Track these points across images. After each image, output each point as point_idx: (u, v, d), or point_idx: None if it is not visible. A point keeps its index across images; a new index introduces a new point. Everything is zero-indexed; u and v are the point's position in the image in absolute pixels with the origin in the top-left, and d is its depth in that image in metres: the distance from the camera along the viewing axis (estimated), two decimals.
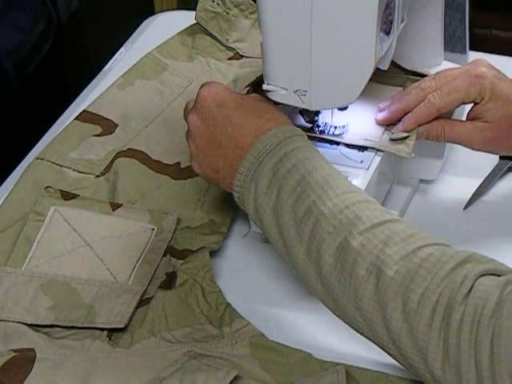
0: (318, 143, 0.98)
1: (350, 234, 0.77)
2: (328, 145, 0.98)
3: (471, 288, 0.71)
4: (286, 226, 0.81)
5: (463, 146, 0.98)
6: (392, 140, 0.95)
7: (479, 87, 0.93)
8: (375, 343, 0.77)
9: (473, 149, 0.97)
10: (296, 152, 0.84)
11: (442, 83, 0.95)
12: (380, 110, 0.98)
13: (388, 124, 0.97)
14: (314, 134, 0.98)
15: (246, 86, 1.13)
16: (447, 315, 0.71)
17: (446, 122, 0.95)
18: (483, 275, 0.72)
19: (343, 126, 0.99)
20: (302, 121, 1.00)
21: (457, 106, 0.95)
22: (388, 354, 0.76)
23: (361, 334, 0.78)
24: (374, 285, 0.74)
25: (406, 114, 0.96)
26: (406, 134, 0.95)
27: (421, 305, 0.72)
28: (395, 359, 0.76)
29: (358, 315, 0.76)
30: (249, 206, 0.85)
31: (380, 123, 0.97)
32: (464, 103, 0.95)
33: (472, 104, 0.95)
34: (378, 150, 0.95)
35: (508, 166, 1.08)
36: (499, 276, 0.72)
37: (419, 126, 0.95)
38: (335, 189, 0.80)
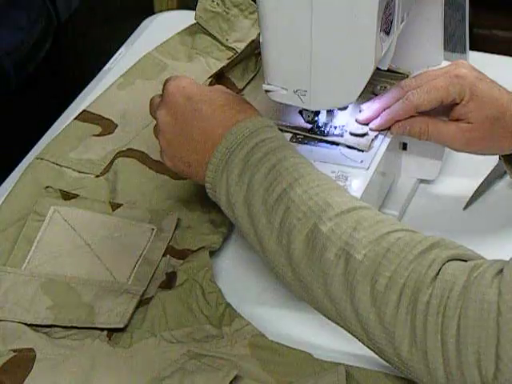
0: (318, 143, 0.98)
1: (319, 220, 0.78)
2: (328, 145, 0.98)
3: (439, 271, 0.72)
4: (257, 215, 0.82)
5: (446, 146, 0.98)
6: (351, 134, 0.97)
7: (459, 87, 0.93)
8: (344, 328, 0.78)
9: (455, 149, 0.98)
10: (267, 142, 0.85)
11: (423, 82, 0.95)
12: (361, 111, 0.99)
13: (368, 123, 0.98)
14: (312, 135, 0.98)
15: (209, 77, 1.14)
16: (414, 298, 0.72)
17: (430, 121, 0.96)
18: (451, 260, 0.73)
19: (343, 126, 0.99)
20: (301, 121, 1.00)
21: (435, 106, 0.95)
22: (357, 338, 0.78)
23: (330, 319, 0.79)
24: (343, 269, 0.75)
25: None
26: (364, 131, 0.96)
27: (388, 288, 0.73)
28: (364, 344, 0.78)
29: (328, 300, 0.77)
30: (221, 197, 0.86)
31: (361, 122, 0.98)
32: (443, 103, 0.94)
33: (453, 105, 0.95)
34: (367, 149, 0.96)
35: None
36: (466, 261, 0.73)
37: (396, 121, 0.96)
38: (305, 176, 0.81)
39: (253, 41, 1.23)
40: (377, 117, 0.97)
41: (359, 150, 0.96)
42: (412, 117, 0.96)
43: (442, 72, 0.95)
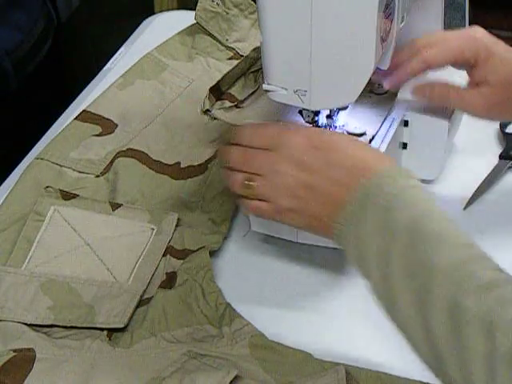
0: None
1: (463, 292, 0.69)
2: None
3: None
4: (394, 276, 0.73)
5: (467, 112, 0.97)
6: (349, 134, 0.97)
7: (474, 49, 0.93)
8: None
9: (478, 116, 0.96)
10: (408, 194, 0.77)
11: (437, 41, 0.95)
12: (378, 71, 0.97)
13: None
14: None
15: (211, 89, 1.14)
16: None
17: (451, 86, 0.95)
18: None
19: (343, 126, 0.99)
20: (301, 121, 1.00)
21: (448, 64, 0.95)
22: None
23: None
24: (486, 349, 0.66)
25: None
26: (362, 131, 0.96)
27: None
28: None
29: (460, 377, 0.68)
30: (349, 243, 0.77)
31: (376, 81, 0.99)
32: (457, 63, 0.95)
33: (471, 70, 0.95)
34: None
35: (508, 165, 1.08)
36: None
37: (410, 78, 0.96)
38: (449, 241, 0.73)
39: (247, 56, 1.23)
40: (391, 74, 0.96)
41: None
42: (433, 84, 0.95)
43: (457, 33, 0.95)
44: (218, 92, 1.19)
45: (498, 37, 0.97)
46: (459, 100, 0.95)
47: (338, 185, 0.79)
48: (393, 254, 0.73)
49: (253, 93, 1.21)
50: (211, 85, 1.19)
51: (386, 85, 0.97)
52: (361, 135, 0.97)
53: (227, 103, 1.18)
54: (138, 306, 0.90)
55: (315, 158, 0.81)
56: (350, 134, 0.97)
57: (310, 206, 0.81)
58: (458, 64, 0.95)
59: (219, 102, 1.19)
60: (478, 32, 0.95)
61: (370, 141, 0.97)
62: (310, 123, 0.99)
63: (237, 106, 1.18)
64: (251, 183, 0.83)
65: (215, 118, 1.15)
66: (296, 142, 0.82)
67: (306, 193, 0.81)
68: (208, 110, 1.17)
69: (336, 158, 0.80)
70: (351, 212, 0.77)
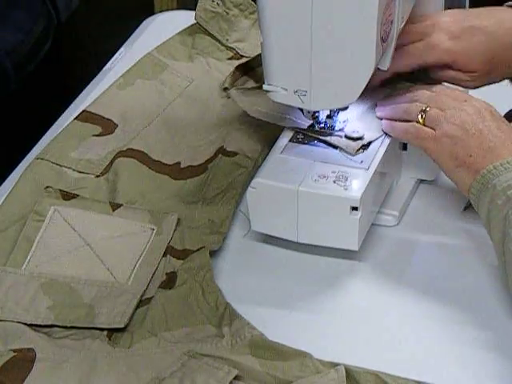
0: (318, 143, 0.98)
1: None
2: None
3: None
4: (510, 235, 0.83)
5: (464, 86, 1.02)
6: (346, 137, 0.97)
7: (435, 57, 0.98)
8: None
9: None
10: None
11: (403, 40, 0.99)
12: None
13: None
14: (307, 132, 0.98)
15: (237, 67, 1.14)
16: None
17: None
18: None
19: (344, 121, 0.99)
20: (302, 117, 1.00)
21: (413, 69, 1.01)
22: None
23: None
24: None
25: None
26: (360, 135, 0.97)
27: None
28: None
29: None
30: (482, 209, 0.88)
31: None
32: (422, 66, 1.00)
33: None
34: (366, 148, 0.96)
35: None
36: None
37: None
38: None
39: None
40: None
41: (347, 153, 0.96)
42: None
43: (419, 35, 0.99)
44: (245, 68, 1.19)
45: None
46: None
47: (501, 144, 0.89)
48: None
49: None
50: (211, 84, 1.19)
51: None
52: (358, 139, 0.97)
53: (251, 83, 1.18)
54: (138, 306, 0.90)
55: (496, 118, 0.92)
56: (347, 137, 0.97)
57: (469, 143, 0.90)
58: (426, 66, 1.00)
59: (244, 78, 1.19)
60: (438, 31, 0.98)
61: (368, 145, 0.97)
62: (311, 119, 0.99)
63: (259, 88, 1.18)
64: (428, 108, 0.94)
65: (229, 97, 1.16)
66: (481, 102, 0.93)
67: (474, 133, 0.90)
68: (226, 88, 1.16)
69: (510, 128, 0.91)
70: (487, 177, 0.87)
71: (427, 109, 0.93)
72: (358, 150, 0.96)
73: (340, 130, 0.99)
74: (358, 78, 0.91)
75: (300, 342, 0.86)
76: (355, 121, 1.00)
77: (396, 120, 0.97)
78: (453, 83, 1.01)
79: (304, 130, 1.00)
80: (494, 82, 1.02)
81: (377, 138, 0.97)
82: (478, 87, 1.02)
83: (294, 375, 0.82)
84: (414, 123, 0.94)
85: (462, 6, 1.08)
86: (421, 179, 1.07)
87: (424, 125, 0.93)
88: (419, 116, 0.93)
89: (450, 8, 1.05)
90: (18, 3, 1.63)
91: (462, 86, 1.01)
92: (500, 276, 0.88)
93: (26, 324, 0.87)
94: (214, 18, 1.29)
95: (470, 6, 1.11)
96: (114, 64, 1.29)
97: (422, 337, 0.87)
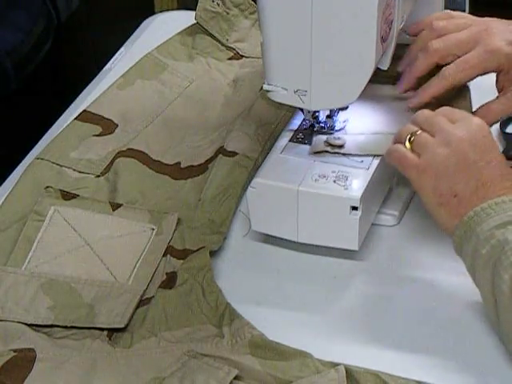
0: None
1: None
2: None
3: None
4: (502, 288, 0.79)
5: (500, 119, 0.99)
6: (329, 144, 0.96)
7: (496, 62, 0.93)
8: None
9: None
10: None
11: (452, 49, 0.94)
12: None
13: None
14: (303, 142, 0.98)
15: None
16: None
17: (480, 110, 0.96)
18: None
19: (344, 121, 0.99)
20: (302, 116, 1.00)
21: (471, 80, 0.96)
22: None
23: None
24: None
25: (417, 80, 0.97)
26: (341, 143, 0.96)
27: None
28: None
29: None
30: (469, 247, 0.84)
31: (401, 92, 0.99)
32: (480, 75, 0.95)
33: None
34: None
35: (508, 165, 1.08)
36: None
37: (433, 97, 0.96)
38: None
39: None
40: (410, 86, 0.98)
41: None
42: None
43: (474, 41, 0.94)
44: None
45: None
46: (493, 115, 0.96)
47: (488, 180, 0.84)
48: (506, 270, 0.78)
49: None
50: (211, 84, 1.19)
51: (412, 106, 0.97)
52: (339, 147, 0.97)
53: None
54: (138, 306, 0.90)
55: (488, 145, 0.85)
56: (329, 144, 0.97)
57: (454, 180, 0.84)
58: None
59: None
60: (495, 37, 0.94)
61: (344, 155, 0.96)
62: (311, 119, 0.99)
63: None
64: (419, 132, 0.87)
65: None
66: (477, 123, 0.86)
67: (461, 168, 0.84)
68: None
69: (498, 158, 0.85)
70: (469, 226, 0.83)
71: (418, 132, 0.88)
72: (319, 151, 0.96)
73: (340, 129, 0.99)
74: (358, 77, 0.91)
75: (300, 342, 0.86)
76: (356, 121, 1.00)
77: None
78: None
79: (304, 130, 1.00)
80: None
81: (358, 155, 0.96)
82: None
83: (293, 375, 0.82)
84: (400, 147, 0.88)
85: (461, 6, 1.09)
86: None
87: (412, 149, 0.88)
88: (407, 139, 0.88)
89: (449, 9, 1.05)
90: (18, 3, 1.63)
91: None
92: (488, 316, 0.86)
93: (26, 324, 0.87)
94: (214, 18, 1.29)
95: (470, 6, 1.11)
96: (114, 64, 1.29)
97: (422, 337, 0.87)
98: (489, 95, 0.98)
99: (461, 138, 0.85)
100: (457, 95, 1.00)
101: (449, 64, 0.95)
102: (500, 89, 0.96)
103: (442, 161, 0.85)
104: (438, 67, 0.97)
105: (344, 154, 0.95)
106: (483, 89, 1.01)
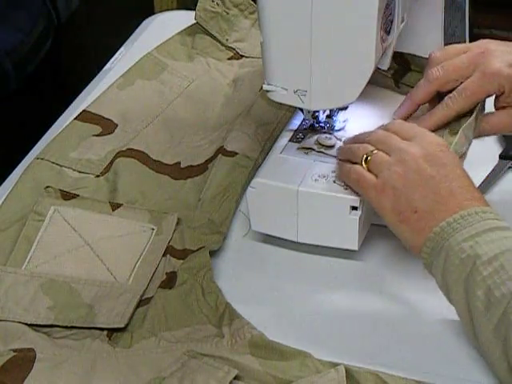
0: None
1: None
2: None
3: None
4: (476, 302, 0.79)
5: (498, 133, 0.99)
6: (320, 144, 0.96)
7: (496, 85, 0.92)
8: None
9: (508, 133, 0.98)
10: (498, 232, 0.81)
11: (451, 76, 0.94)
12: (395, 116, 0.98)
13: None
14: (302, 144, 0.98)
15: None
16: None
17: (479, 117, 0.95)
18: None
19: (343, 121, 0.99)
20: (302, 116, 1.00)
21: (476, 105, 0.95)
22: None
23: None
24: None
25: (418, 107, 0.96)
26: (332, 144, 0.95)
27: None
28: None
29: None
30: (437, 270, 0.83)
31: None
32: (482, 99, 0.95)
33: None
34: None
35: (508, 166, 1.08)
36: None
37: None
38: None
39: None
40: (410, 114, 0.97)
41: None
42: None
43: (472, 65, 0.93)
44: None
45: (498, 37, 0.97)
46: (491, 127, 0.96)
47: (449, 195, 0.83)
48: (476, 284, 0.78)
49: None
50: (211, 84, 1.19)
51: (397, 115, 0.97)
52: (328, 147, 0.97)
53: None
54: (138, 306, 0.90)
55: (444, 160, 0.85)
56: (320, 144, 0.97)
57: (413, 196, 0.84)
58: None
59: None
60: (493, 59, 0.92)
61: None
62: (311, 119, 0.99)
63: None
64: (375, 151, 0.87)
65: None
66: (432, 140, 0.87)
67: (419, 184, 0.84)
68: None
69: (458, 174, 0.85)
70: (441, 232, 0.82)
71: (374, 151, 0.88)
72: (306, 148, 0.96)
73: (340, 129, 0.99)
74: (358, 77, 0.91)
75: (300, 342, 0.86)
76: (356, 122, 1.00)
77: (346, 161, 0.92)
78: None
79: (304, 130, 1.00)
80: None
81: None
82: None
83: (293, 375, 0.82)
84: (358, 167, 0.88)
85: (461, 6, 1.09)
86: None
87: (369, 169, 0.87)
88: (363, 159, 0.88)
89: (449, 9, 1.05)
90: (18, 3, 1.63)
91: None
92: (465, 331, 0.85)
93: (26, 324, 0.87)
94: (213, 18, 1.29)
95: (470, 6, 1.11)
96: (114, 64, 1.30)
97: (423, 336, 0.87)
98: (489, 101, 0.98)
99: (415, 154, 0.85)
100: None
101: (451, 91, 0.94)
102: (498, 109, 0.96)
103: (398, 179, 0.85)
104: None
105: (329, 155, 0.95)
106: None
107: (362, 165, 0.88)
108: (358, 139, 0.92)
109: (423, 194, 0.84)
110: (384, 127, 0.91)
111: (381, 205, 0.86)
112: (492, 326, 0.78)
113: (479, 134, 0.96)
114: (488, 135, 0.98)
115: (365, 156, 0.88)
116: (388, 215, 0.86)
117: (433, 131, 0.93)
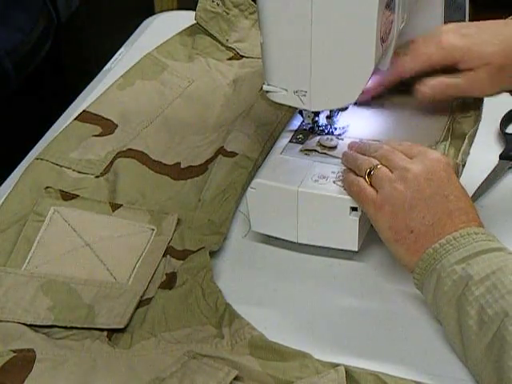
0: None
1: None
2: None
3: None
4: (468, 322, 0.79)
5: (472, 95, 1.00)
6: (321, 145, 0.97)
7: (443, 55, 0.96)
8: None
9: (484, 94, 1.00)
10: (489, 253, 0.82)
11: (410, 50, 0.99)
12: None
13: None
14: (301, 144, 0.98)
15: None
16: None
17: (447, 79, 0.97)
18: None
19: (343, 127, 0.99)
20: (301, 120, 1.00)
21: (421, 72, 0.97)
22: None
23: None
24: None
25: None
26: (334, 144, 0.96)
27: None
28: None
29: None
30: (430, 284, 0.84)
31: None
32: (432, 68, 0.97)
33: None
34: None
35: (508, 166, 1.08)
36: None
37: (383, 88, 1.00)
38: None
39: None
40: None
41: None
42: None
43: (427, 39, 0.97)
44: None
45: None
46: (458, 89, 0.97)
47: (446, 216, 0.84)
48: (469, 303, 0.79)
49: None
50: (211, 84, 1.19)
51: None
52: (330, 148, 0.97)
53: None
54: (137, 307, 0.90)
55: (445, 179, 0.86)
56: (322, 145, 0.97)
57: (411, 216, 0.85)
58: (431, 69, 0.97)
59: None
60: (448, 35, 0.97)
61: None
62: (311, 123, 0.99)
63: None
64: (379, 166, 0.88)
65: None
66: (434, 157, 0.87)
67: (417, 203, 0.85)
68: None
69: (456, 192, 0.86)
70: (437, 251, 0.83)
71: (378, 166, 0.88)
72: (309, 150, 0.96)
73: (342, 129, 0.99)
74: (358, 78, 0.91)
75: (300, 342, 0.86)
76: (358, 125, 1.00)
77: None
78: (454, 94, 0.99)
79: (304, 130, 1.00)
80: (505, 90, 0.99)
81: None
82: (489, 95, 0.99)
83: (293, 376, 0.82)
84: (361, 180, 0.89)
85: (461, 6, 1.09)
86: None
87: (371, 184, 0.88)
88: (366, 173, 0.89)
89: (449, 9, 1.05)
90: (18, 3, 1.63)
91: (468, 96, 0.99)
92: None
93: (25, 324, 0.87)
94: (214, 19, 1.29)
95: (470, 6, 1.11)
96: (114, 64, 1.30)
97: (423, 337, 0.87)
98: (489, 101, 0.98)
99: (416, 173, 0.85)
100: (468, 106, 1.00)
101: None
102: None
103: (397, 197, 0.85)
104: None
105: (332, 156, 0.95)
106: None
107: (365, 178, 0.89)
108: (365, 150, 0.92)
109: (421, 215, 0.84)
110: (388, 143, 0.92)
111: (378, 221, 0.87)
112: (483, 345, 0.78)
113: (449, 97, 0.99)
114: (462, 95, 1.00)
115: (368, 170, 0.89)
116: (384, 232, 0.87)
117: (387, 88, 0.98)
